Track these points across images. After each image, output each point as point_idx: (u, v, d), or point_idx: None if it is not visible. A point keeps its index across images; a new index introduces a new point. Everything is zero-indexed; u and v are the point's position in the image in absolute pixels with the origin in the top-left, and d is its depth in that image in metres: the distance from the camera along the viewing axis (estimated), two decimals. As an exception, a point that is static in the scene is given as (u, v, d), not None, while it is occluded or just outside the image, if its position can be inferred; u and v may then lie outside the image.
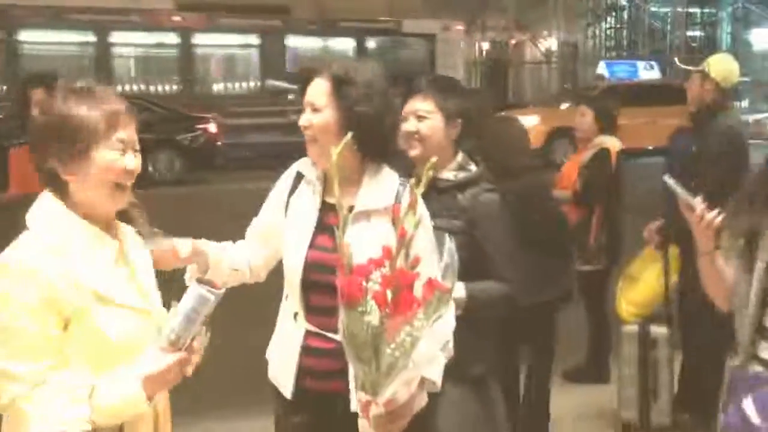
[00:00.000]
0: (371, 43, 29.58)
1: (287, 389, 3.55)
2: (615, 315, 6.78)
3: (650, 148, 21.95)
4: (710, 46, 42.30)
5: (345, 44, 29.33)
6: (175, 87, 26.98)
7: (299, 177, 3.65)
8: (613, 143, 7.47)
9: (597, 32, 41.79)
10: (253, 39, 28.17)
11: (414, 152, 3.94)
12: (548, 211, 6.10)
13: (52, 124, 2.75)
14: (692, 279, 6.28)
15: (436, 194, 3.84)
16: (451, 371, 3.64)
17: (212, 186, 21.43)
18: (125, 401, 2.67)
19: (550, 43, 37.41)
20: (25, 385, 2.61)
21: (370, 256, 2.87)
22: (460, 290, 3.70)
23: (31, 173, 3.19)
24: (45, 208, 2.79)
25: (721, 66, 6.50)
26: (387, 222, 3.35)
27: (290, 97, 24.94)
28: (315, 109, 3.44)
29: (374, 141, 3.48)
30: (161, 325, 2.82)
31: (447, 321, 3.31)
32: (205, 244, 3.51)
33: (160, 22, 26.71)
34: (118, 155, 2.80)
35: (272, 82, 27.17)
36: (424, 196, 3.59)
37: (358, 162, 3.51)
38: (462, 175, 3.95)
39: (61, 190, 2.79)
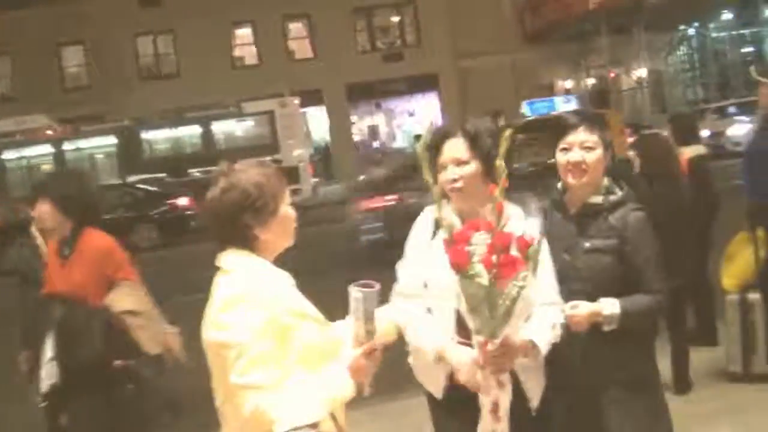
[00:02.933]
0: (216, 126, 27.00)
1: (438, 392, 3.22)
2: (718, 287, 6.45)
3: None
4: (760, 60, 40.37)
5: (193, 131, 27.04)
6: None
7: (436, 223, 3.18)
8: None
9: (673, 60, 40.37)
10: (113, 139, 26.52)
11: (578, 180, 3.37)
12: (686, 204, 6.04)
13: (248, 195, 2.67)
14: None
15: (589, 217, 3.39)
16: (619, 377, 3.38)
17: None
18: (340, 391, 2.60)
19: (640, 72, 36.27)
20: (264, 393, 2.45)
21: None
22: (615, 306, 3.24)
23: None
24: (240, 259, 2.67)
25: None
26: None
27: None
28: (460, 163, 3.11)
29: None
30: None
31: (554, 312, 3.12)
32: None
33: (38, 137, 26.18)
34: (292, 208, 2.80)
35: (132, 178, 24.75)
36: (577, 220, 3.41)
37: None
38: (611, 198, 3.40)
39: (248, 245, 2.69)
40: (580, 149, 3.35)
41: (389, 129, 38.45)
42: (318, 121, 36.70)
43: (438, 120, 35.22)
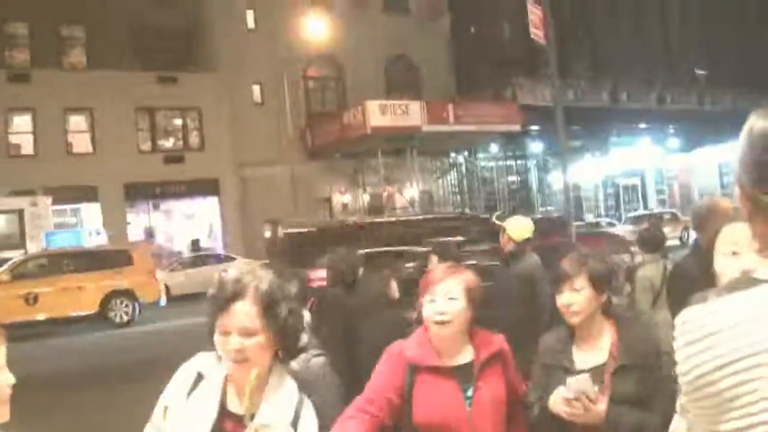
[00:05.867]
0: None
1: None
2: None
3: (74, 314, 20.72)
4: (524, 187, 44.32)
5: None
6: None
7: (199, 377, 2.63)
8: None
9: (444, 183, 43.02)
10: None
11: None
12: None
13: None
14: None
15: None
16: None
17: None
18: None
19: (412, 192, 38.28)
20: None
21: None
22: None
23: None
24: None
25: (514, 226, 6.88)
26: None
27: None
28: (247, 334, 2.52)
29: (295, 350, 2.72)
30: None
31: None
32: None
33: None
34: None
35: None
36: None
37: (268, 370, 2.63)
38: None
39: None
40: None
41: (167, 230, 38.14)
42: (92, 218, 35.91)
43: (218, 224, 35.57)
